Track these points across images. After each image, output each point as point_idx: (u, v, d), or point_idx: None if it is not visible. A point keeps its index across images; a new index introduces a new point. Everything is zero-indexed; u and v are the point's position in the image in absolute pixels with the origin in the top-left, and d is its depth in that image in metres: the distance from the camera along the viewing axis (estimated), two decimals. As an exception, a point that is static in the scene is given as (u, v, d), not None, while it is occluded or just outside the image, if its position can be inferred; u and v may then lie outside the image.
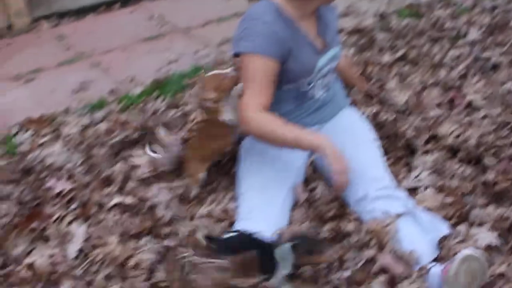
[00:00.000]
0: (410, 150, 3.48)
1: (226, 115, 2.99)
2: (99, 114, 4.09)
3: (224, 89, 2.95)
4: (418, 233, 2.82)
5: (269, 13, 2.94)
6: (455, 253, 2.58)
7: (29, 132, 3.94)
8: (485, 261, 2.52)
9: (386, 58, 4.49)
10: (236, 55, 3.02)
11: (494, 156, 3.36)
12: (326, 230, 2.94)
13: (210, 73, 3.00)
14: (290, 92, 3.11)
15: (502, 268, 2.63)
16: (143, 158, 3.45)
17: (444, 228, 2.88)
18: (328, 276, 2.67)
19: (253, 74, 2.94)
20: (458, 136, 3.48)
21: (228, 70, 2.97)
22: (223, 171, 3.43)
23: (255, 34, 2.92)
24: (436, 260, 2.72)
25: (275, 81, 2.99)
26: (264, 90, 2.95)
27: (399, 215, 2.81)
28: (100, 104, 4.27)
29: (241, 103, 2.98)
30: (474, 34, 4.82)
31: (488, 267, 2.54)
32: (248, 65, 2.95)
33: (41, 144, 3.79)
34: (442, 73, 4.29)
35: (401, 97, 3.91)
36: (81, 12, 5.83)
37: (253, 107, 2.92)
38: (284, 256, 2.56)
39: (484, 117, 3.71)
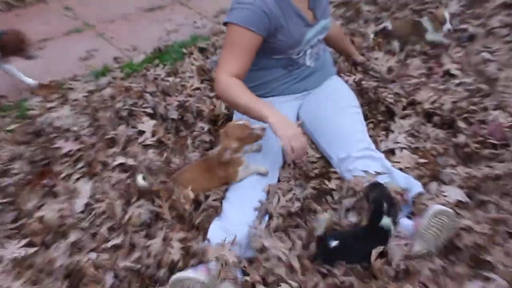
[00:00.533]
0: (390, 115, 3.52)
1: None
2: (103, 81, 4.15)
3: (245, 142, 2.93)
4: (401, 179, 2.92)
5: None
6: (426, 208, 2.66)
7: (39, 97, 4.00)
8: (453, 215, 2.60)
9: (372, 29, 4.52)
10: (225, 23, 3.03)
11: (466, 121, 3.41)
12: (310, 187, 3.01)
13: (238, 123, 2.93)
14: (281, 60, 3.15)
15: (467, 222, 2.70)
16: (146, 125, 3.51)
17: (417, 186, 2.94)
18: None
19: (232, 42, 2.98)
20: (433, 102, 3.53)
21: (256, 126, 2.90)
22: (218, 133, 3.45)
23: (245, 7, 2.93)
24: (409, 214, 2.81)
25: (254, 53, 3.01)
26: (239, 60, 2.99)
27: (377, 174, 2.88)
28: (104, 71, 4.33)
29: (217, 66, 3.05)
30: (454, 6, 4.83)
31: (455, 221, 2.62)
32: (232, 33, 2.98)
33: (50, 108, 3.86)
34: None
35: (384, 66, 3.95)
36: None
37: (225, 72, 2.96)
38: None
39: (459, 84, 3.76)
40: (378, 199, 2.62)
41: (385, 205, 2.59)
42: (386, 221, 2.58)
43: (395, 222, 2.62)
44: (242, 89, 2.92)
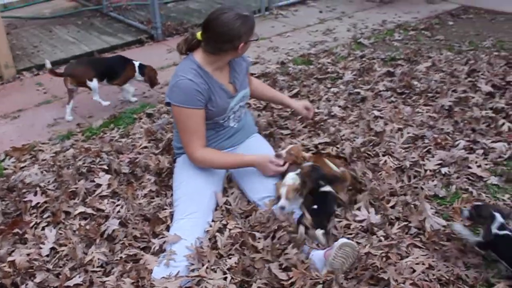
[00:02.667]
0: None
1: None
2: (67, 143, 3.99)
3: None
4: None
5: (191, 70, 2.94)
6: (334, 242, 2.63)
7: (13, 158, 3.82)
8: (355, 246, 2.59)
9: (285, 94, 4.51)
10: (168, 103, 3.02)
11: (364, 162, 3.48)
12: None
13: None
14: (209, 124, 3.11)
15: (365, 250, 2.70)
16: (103, 179, 3.38)
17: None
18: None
19: (184, 123, 2.98)
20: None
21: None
22: (163, 183, 3.39)
23: (180, 89, 2.92)
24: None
25: (204, 122, 3.01)
26: (198, 134, 3.01)
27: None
28: (68, 135, 4.18)
29: (185, 147, 3.06)
30: (348, 75, 4.91)
31: (357, 251, 2.60)
32: (179, 115, 2.98)
33: (23, 167, 3.69)
34: (327, 105, 4.34)
35: (293, 125, 4.01)
36: (55, 64, 5.68)
37: (195, 150, 3.02)
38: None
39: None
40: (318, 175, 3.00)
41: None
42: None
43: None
44: (219, 155, 3.10)
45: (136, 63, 4.53)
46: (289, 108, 3.88)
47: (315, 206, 2.85)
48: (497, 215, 2.62)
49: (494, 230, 2.58)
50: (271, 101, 4.00)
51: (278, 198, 2.91)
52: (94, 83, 4.38)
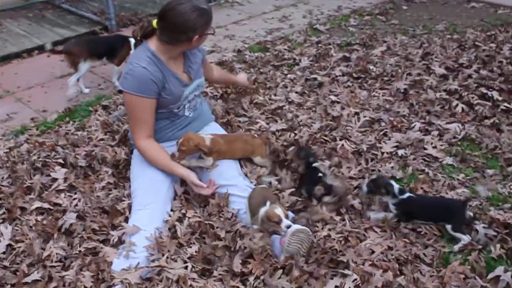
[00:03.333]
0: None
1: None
2: (21, 138, 3.90)
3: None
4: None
5: (145, 58, 2.92)
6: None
7: (-36, 155, 3.71)
8: (308, 231, 2.61)
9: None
10: (120, 91, 2.99)
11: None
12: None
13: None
14: (164, 113, 3.09)
15: (324, 232, 2.75)
16: (59, 173, 3.32)
17: None
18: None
19: (134, 111, 2.98)
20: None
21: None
22: (121, 175, 3.37)
23: (134, 77, 2.90)
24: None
25: (154, 112, 3.01)
26: (145, 123, 3.01)
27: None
28: (22, 130, 4.08)
29: (132, 133, 3.08)
30: (305, 61, 4.93)
31: (311, 236, 2.63)
32: (130, 102, 2.96)
33: (-26, 164, 3.59)
34: (284, 91, 4.36)
35: (250, 112, 4.02)
36: (6, 58, 5.56)
37: (140, 138, 3.02)
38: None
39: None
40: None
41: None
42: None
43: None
44: (157, 154, 3.04)
45: (132, 41, 4.48)
46: (238, 85, 4.16)
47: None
48: (393, 182, 2.92)
49: (398, 196, 2.87)
50: (226, 83, 4.17)
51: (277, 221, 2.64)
52: (85, 66, 4.51)
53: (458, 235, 2.74)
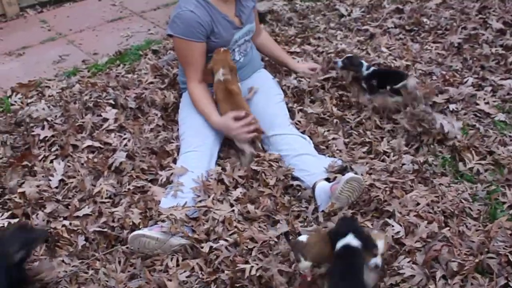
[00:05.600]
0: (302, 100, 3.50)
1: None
2: (73, 79, 3.98)
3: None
4: (313, 160, 2.89)
5: (193, 2, 2.91)
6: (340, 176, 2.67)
7: (20, 94, 3.82)
8: (361, 180, 2.60)
9: (291, 31, 4.48)
10: (170, 35, 3.01)
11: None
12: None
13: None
14: (213, 57, 3.09)
15: (369, 181, 2.73)
16: (109, 113, 3.38)
17: (330, 158, 2.94)
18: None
19: (184, 55, 3.01)
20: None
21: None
22: (169, 118, 3.42)
23: (182, 21, 2.90)
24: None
25: (204, 55, 3.01)
26: (195, 67, 3.02)
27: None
28: (74, 72, 4.17)
29: (186, 75, 3.09)
30: (356, 12, 4.82)
31: (363, 185, 2.63)
32: (179, 46, 3.00)
33: (29, 103, 3.69)
34: (335, 43, 4.29)
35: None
36: (59, 1, 5.63)
37: (191, 82, 3.05)
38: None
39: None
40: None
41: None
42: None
43: None
44: (201, 99, 3.04)
45: None
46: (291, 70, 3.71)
47: None
48: (363, 61, 3.53)
49: (365, 72, 3.47)
50: (275, 61, 3.77)
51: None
52: None
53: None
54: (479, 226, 2.53)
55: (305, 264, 2.20)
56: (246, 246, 2.45)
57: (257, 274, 2.29)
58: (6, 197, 2.88)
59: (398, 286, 2.27)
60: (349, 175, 2.58)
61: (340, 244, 2.15)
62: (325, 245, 2.23)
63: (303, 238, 2.28)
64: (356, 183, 2.57)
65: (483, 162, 2.95)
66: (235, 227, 2.55)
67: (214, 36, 2.98)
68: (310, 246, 2.23)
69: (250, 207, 2.64)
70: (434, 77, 3.73)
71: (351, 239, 2.13)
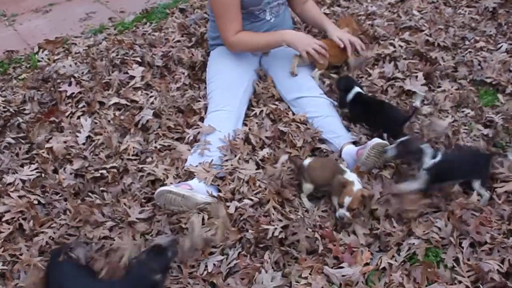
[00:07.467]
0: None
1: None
2: (100, 37, 3.98)
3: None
4: (340, 123, 2.87)
5: None
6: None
7: (46, 51, 3.83)
8: (388, 145, 2.56)
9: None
10: None
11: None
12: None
13: None
14: (244, 14, 3.02)
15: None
16: (136, 71, 3.37)
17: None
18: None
19: (222, 8, 2.94)
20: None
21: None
22: (196, 77, 3.40)
23: None
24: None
25: (239, 7, 2.94)
26: (233, 18, 2.96)
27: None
28: (101, 29, 4.16)
29: (221, 33, 3.03)
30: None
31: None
32: (216, 1, 2.93)
33: (56, 60, 3.70)
34: (364, 4, 4.19)
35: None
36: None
37: (230, 35, 2.99)
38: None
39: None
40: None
41: None
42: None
43: None
44: (252, 36, 3.03)
45: None
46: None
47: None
48: (426, 146, 2.54)
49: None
50: (316, 26, 3.54)
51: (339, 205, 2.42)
52: None
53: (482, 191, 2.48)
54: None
55: (307, 187, 2.50)
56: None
57: (279, 236, 2.30)
58: (34, 152, 2.92)
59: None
60: (375, 140, 2.56)
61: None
62: (324, 169, 2.49)
63: (306, 162, 2.54)
64: (382, 148, 2.54)
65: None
66: (259, 186, 2.55)
67: None
68: (311, 169, 2.49)
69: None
70: (467, 42, 3.64)
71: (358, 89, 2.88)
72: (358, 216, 2.42)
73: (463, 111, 3.05)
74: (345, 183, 2.38)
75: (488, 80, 3.27)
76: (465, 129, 2.90)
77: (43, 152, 2.85)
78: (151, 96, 3.17)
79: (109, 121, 3.04)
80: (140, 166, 2.73)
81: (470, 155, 2.67)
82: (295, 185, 2.58)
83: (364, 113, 2.89)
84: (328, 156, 2.75)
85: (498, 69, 3.33)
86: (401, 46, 3.51)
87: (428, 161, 2.48)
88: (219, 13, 2.97)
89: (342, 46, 3.12)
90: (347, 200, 2.36)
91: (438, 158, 2.48)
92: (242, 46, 3.04)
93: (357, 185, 2.40)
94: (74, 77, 3.34)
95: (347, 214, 2.36)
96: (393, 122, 2.76)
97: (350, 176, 2.44)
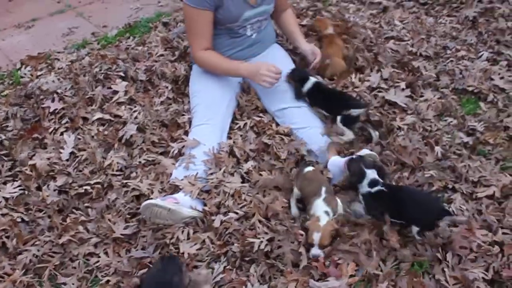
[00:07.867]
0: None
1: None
2: (83, 52, 3.96)
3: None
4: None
5: None
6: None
7: (29, 67, 3.80)
8: (375, 156, 2.62)
9: (303, 4, 4.38)
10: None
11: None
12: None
13: None
14: (222, 30, 3.06)
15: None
16: (120, 85, 3.36)
17: None
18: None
19: (191, 23, 2.98)
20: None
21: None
22: (180, 91, 3.39)
23: None
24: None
25: (211, 25, 2.98)
26: (202, 36, 3.00)
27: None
28: (84, 44, 4.15)
29: (190, 46, 3.15)
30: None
31: (378, 161, 2.64)
32: (187, 14, 2.97)
33: (39, 76, 3.67)
34: (346, 15, 4.21)
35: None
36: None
37: (197, 50, 3.03)
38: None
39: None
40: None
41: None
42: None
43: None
44: (216, 58, 3.03)
45: None
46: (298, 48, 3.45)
47: None
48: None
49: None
50: (287, 36, 3.56)
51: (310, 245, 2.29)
52: None
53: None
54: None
55: (296, 192, 2.53)
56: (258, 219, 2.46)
57: (265, 249, 2.31)
58: (17, 169, 2.89)
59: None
60: (364, 151, 2.59)
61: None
62: (311, 184, 2.46)
63: (306, 169, 2.57)
64: (371, 158, 2.56)
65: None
66: (244, 199, 2.55)
67: (222, 9, 2.93)
68: (304, 178, 2.52)
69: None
70: (448, 51, 3.68)
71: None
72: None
73: (445, 120, 3.08)
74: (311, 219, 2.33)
75: (470, 89, 3.32)
76: (448, 137, 2.92)
77: (26, 169, 2.83)
78: (134, 111, 3.16)
79: (92, 136, 3.02)
80: (125, 181, 2.72)
81: (414, 198, 2.36)
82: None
83: (324, 100, 2.99)
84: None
85: (479, 78, 3.38)
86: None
87: (364, 187, 2.40)
88: (189, 27, 3.02)
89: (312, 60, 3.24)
90: (315, 236, 2.24)
91: (377, 188, 2.37)
92: (204, 65, 3.08)
93: (323, 219, 2.28)
94: (57, 93, 3.33)
95: (321, 253, 2.24)
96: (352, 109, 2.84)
97: (320, 206, 2.35)
